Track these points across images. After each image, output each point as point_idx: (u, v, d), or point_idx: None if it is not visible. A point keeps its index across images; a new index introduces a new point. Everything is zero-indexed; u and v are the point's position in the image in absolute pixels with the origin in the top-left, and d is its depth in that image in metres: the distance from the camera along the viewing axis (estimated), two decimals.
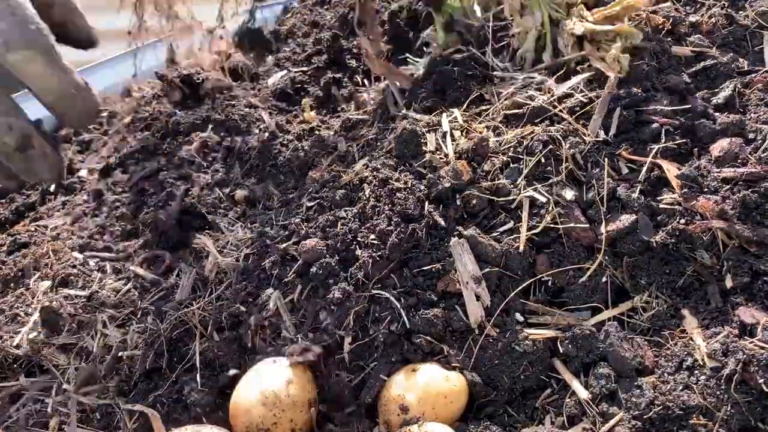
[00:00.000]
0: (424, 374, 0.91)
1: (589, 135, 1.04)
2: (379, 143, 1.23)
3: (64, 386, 1.07)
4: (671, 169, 0.98)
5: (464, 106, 1.23)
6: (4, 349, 1.13)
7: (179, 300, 1.13)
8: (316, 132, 1.39)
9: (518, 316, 0.95)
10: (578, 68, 1.19)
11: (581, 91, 1.11)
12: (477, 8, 1.34)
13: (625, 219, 0.96)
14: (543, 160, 1.04)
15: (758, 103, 1.05)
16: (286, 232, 1.12)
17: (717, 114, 1.05)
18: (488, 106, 1.21)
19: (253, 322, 1.05)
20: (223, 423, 0.98)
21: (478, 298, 0.95)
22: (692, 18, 1.21)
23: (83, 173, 1.61)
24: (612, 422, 0.82)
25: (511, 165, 1.06)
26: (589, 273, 0.96)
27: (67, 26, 1.28)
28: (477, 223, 1.03)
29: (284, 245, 1.09)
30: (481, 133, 1.12)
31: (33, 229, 1.44)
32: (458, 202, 1.04)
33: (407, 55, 1.47)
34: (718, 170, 0.96)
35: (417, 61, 1.41)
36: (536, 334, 0.93)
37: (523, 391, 0.92)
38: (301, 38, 1.86)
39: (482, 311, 0.95)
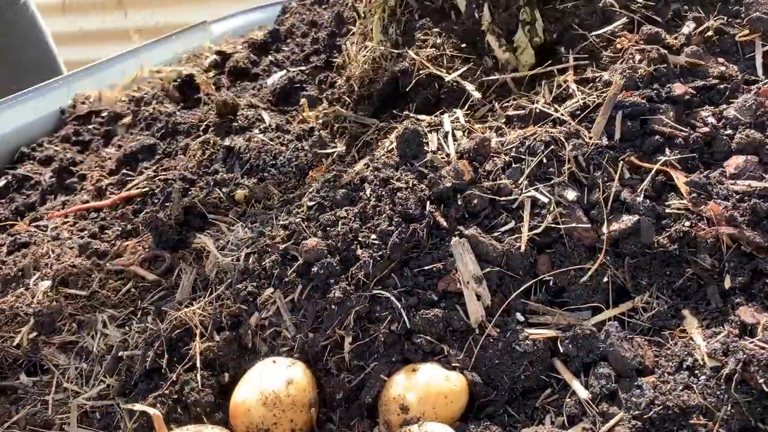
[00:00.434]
0: (425, 374, 0.91)
1: (591, 137, 1.04)
2: (380, 142, 1.23)
3: (65, 385, 1.07)
4: (680, 177, 0.98)
5: (466, 107, 1.23)
6: (4, 349, 1.13)
7: (179, 300, 1.13)
8: (316, 132, 1.39)
9: (519, 316, 0.96)
10: None
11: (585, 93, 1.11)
12: None
13: (628, 220, 0.96)
14: (545, 161, 1.04)
15: None
16: (287, 232, 1.12)
17: (729, 131, 1.03)
18: (490, 107, 1.21)
19: (253, 322, 1.05)
20: (223, 423, 0.98)
21: (478, 297, 0.95)
22: (685, 29, 1.20)
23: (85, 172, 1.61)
24: (612, 422, 0.82)
25: (513, 165, 1.06)
26: (590, 273, 0.96)
27: None
28: (478, 222, 1.03)
29: (284, 245, 1.09)
30: (483, 133, 1.12)
31: (33, 229, 1.44)
32: (459, 202, 1.04)
33: None
34: (732, 182, 0.96)
35: None
36: (537, 334, 0.93)
37: (524, 391, 0.92)
38: (300, 38, 1.86)
39: (483, 311, 0.95)
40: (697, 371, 0.83)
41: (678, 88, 1.07)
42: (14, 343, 1.14)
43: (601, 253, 0.96)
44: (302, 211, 1.14)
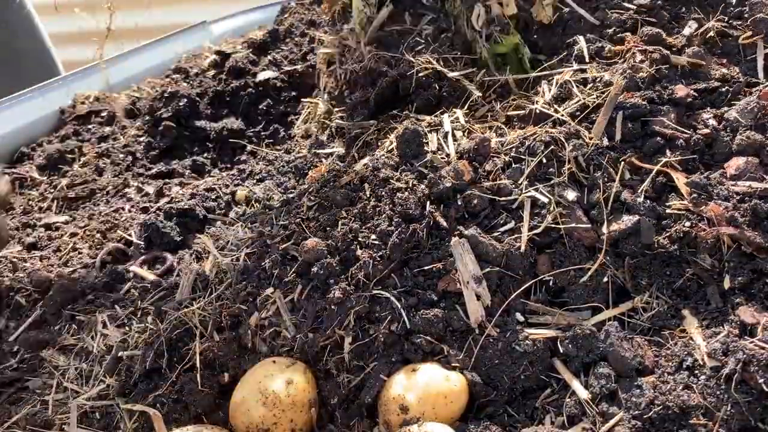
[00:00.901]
0: (424, 374, 0.91)
1: (592, 138, 1.04)
2: (380, 143, 1.23)
3: (65, 385, 1.07)
4: (680, 177, 0.98)
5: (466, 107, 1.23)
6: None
7: (179, 300, 1.13)
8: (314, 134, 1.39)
9: (519, 316, 0.96)
10: None
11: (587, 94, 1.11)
12: None
13: (628, 220, 0.96)
14: (545, 161, 1.04)
15: None
16: (287, 232, 1.12)
17: (730, 133, 1.03)
18: (490, 107, 1.21)
19: (253, 322, 1.05)
20: (223, 423, 0.98)
21: (478, 297, 0.95)
22: (686, 31, 1.20)
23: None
24: (612, 422, 0.82)
25: (513, 165, 1.06)
26: (590, 273, 0.96)
27: None
28: (478, 223, 1.03)
29: (284, 245, 1.09)
30: (483, 133, 1.12)
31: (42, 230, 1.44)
32: (459, 202, 1.04)
33: None
34: (733, 183, 0.96)
35: None
36: (537, 334, 0.93)
37: (523, 391, 0.92)
38: (299, 37, 1.86)
39: (483, 311, 0.95)
40: (697, 371, 0.83)
41: (680, 90, 1.07)
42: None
43: (601, 253, 0.96)
44: (302, 211, 1.14)
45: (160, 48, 2.14)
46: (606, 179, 1.01)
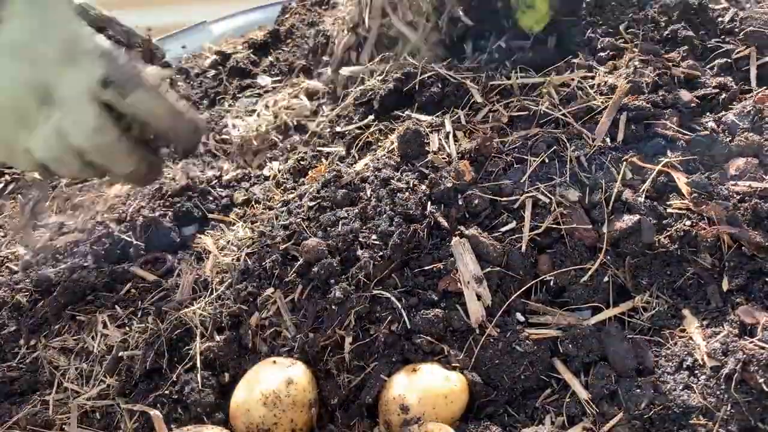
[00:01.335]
0: (425, 374, 0.91)
1: (594, 139, 1.05)
2: (380, 143, 1.24)
3: (65, 385, 1.07)
4: (681, 177, 0.99)
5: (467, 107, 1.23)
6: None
7: (179, 300, 1.13)
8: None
9: (519, 316, 0.96)
10: None
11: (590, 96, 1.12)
12: None
13: (628, 219, 0.96)
14: (547, 161, 1.04)
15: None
16: (287, 232, 1.12)
17: (729, 135, 1.05)
18: (492, 107, 1.21)
19: (253, 322, 1.05)
20: (223, 423, 0.98)
21: (479, 297, 0.96)
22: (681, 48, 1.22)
23: None
24: (612, 422, 0.82)
25: (515, 166, 1.06)
26: (590, 272, 0.96)
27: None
28: (479, 222, 1.03)
29: (284, 245, 1.09)
30: (485, 133, 1.12)
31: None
32: (460, 202, 1.04)
33: None
34: (733, 183, 0.97)
35: None
36: (537, 334, 0.93)
37: (523, 391, 0.92)
38: (300, 39, 1.86)
39: (483, 311, 0.95)
40: (697, 371, 0.83)
41: (685, 96, 1.10)
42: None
43: (601, 252, 0.96)
44: (302, 211, 1.14)
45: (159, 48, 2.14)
46: (608, 179, 1.01)
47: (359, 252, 1.02)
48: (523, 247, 0.98)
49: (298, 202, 1.18)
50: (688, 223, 0.94)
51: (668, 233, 0.95)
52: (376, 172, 1.12)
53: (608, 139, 1.05)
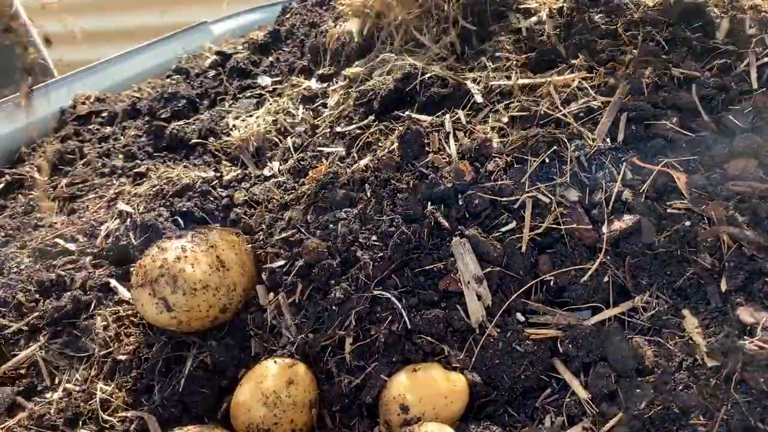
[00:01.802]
0: (425, 374, 0.91)
1: (594, 139, 1.05)
2: (381, 143, 1.24)
3: (65, 385, 1.07)
4: (681, 177, 0.99)
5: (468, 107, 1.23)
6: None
7: None
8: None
9: (519, 316, 0.96)
10: None
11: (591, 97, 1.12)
12: None
13: (628, 220, 0.96)
14: (547, 161, 1.04)
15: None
16: (287, 233, 1.12)
17: (729, 135, 1.05)
18: (492, 108, 1.21)
19: (255, 322, 1.05)
20: (223, 423, 0.98)
21: (479, 297, 0.96)
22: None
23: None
24: (612, 422, 0.82)
25: (515, 165, 1.06)
26: (590, 272, 0.96)
27: None
28: (479, 223, 1.03)
29: (285, 245, 1.10)
30: (485, 133, 1.12)
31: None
32: (460, 202, 1.04)
33: None
34: (733, 183, 0.97)
35: None
36: (537, 334, 0.93)
37: (523, 391, 0.92)
38: (301, 38, 1.86)
39: (483, 311, 0.95)
40: (697, 371, 0.83)
41: (685, 96, 1.10)
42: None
43: (601, 252, 0.96)
44: (303, 212, 1.14)
45: (160, 48, 2.14)
46: (608, 179, 1.01)
47: (359, 252, 1.02)
48: (524, 247, 0.98)
49: (297, 202, 1.18)
50: (688, 223, 0.94)
51: (668, 233, 0.95)
52: (376, 173, 1.12)
53: (608, 139, 1.05)
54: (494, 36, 1.42)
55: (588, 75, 1.19)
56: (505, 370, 0.92)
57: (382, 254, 1.00)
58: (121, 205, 1.37)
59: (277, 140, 1.48)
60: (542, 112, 1.13)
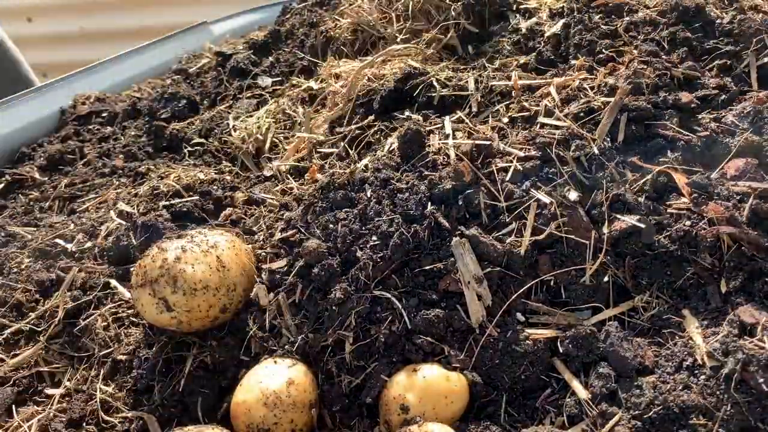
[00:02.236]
0: (425, 374, 0.91)
1: (595, 139, 1.05)
2: (381, 143, 1.24)
3: (66, 385, 1.07)
4: (681, 177, 0.99)
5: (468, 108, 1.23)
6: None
7: None
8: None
9: (519, 316, 0.96)
10: None
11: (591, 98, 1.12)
12: None
13: (628, 220, 0.96)
14: (547, 161, 1.04)
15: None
16: (287, 233, 1.12)
17: (729, 135, 1.05)
18: (492, 108, 1.21)
19: (255, 323, 1.05)
20: (223, 423, 0.98)
21: (479, 297, 0.96)
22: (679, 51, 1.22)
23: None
24: (612, 422, 0.82)
25: (516, 166, 1.06)
26: (590, 272, 0.96)
27: None
28: (479, 223, 1.03)
29: (285, 245, 1.10)
30: (485, 134, 1.12)
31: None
32: (460, 203, 1.04)
33: None
34: (733, 183, 0.97)
35: None
36: (537, 334, 0.93)
37: (523, 391, 0.92)
38: (301, 38, 1.86)
39: (483, 311, 0.95)
40: (697, 371, 0.83)
41: (685, 96, 1.10)
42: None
43: (601, 252, 0.96)
44: (302, 212, 1.14)
45: (160, 48, 2.14)
46: (608, 179, 1.01)
47: (359, 253, 1.02)
48: (524, 248, 0.98)
49: (297, 202, 1.18)
50: (688, 223, 0.94)
51: (668, 233, 0.95)
52: (376, 173, 1.12)
53: (608, 140, 1.05)
54: (494, 36, 1.42)
55: (588, 75, 1.19)
56: (505, 370, 0.92)
57: (382, 254, 1.00)
58: (122, 205, 1.37)
59: (277, 140, 1.48)
60: (543, 112, 1.13)
